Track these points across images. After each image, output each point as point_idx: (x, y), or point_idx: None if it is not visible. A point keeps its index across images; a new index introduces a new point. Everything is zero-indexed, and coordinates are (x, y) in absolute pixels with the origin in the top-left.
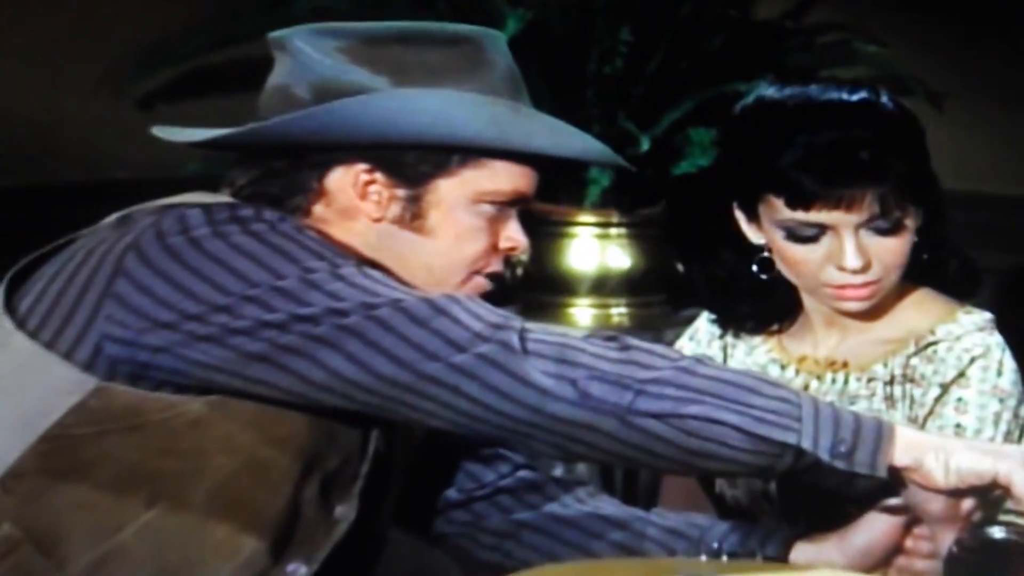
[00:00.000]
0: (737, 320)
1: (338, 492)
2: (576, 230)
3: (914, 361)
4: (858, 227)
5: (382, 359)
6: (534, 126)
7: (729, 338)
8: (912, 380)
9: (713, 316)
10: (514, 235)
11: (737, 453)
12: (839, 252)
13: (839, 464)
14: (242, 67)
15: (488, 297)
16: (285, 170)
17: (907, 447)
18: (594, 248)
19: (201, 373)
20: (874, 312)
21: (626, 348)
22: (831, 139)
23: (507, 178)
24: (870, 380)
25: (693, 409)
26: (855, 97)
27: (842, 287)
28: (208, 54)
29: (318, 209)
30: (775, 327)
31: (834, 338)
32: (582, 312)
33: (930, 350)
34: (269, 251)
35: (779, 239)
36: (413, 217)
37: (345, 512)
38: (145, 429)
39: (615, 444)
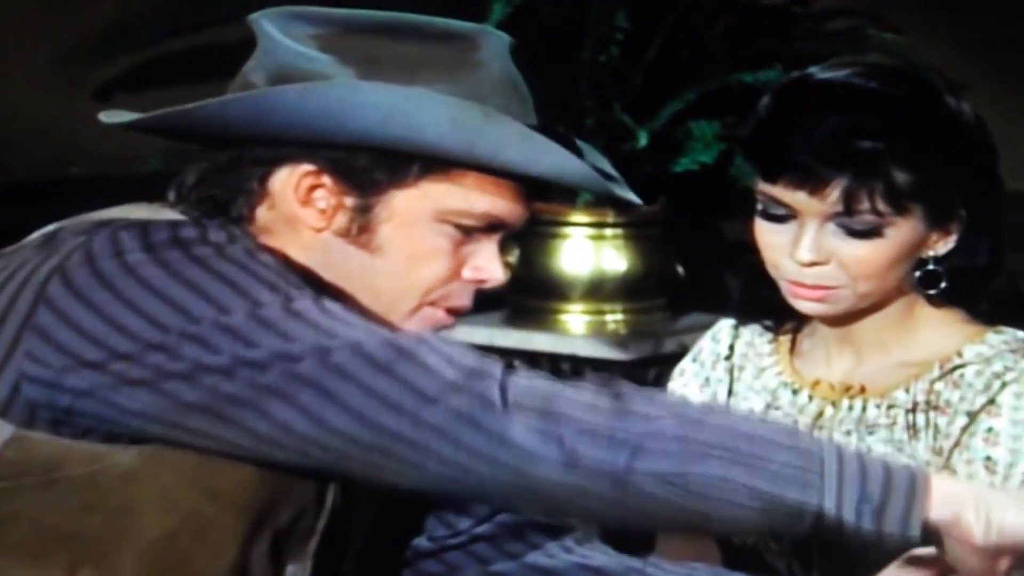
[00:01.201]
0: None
1: (290, 550)
2: (569, 230)
3: (938, 386)
4: (824, 220)
5: (338, 412)
6: (507, 136)
7: (736, 360)
8: (936, 407)
9: (717, 336)
10: (485, 266)
11: (749, 514)
12: (796, 241)
13: (866, 525)
14: (210, 54)
15: (474, 303)
16: (228, 167)
17: (943, 500)
18: (588, 250)
19: (132, 422)
20: (890, 332)
21: (619, 396)
22: (826, 119)
23: (479, 197)
24: (890, 407)
25: (699, 467)
26: (883, 87)
27: (794, 283)
28: (173, 40)
29: (261, 214)
30: (791, 324)
31: (848, 359)
32: (575, 319)
33: (956, 374)
34: (214, 280)
35: (757, 216)
36: (360, 230)
37: (297, 572)
38: (67, 483)
39: (610, 507)
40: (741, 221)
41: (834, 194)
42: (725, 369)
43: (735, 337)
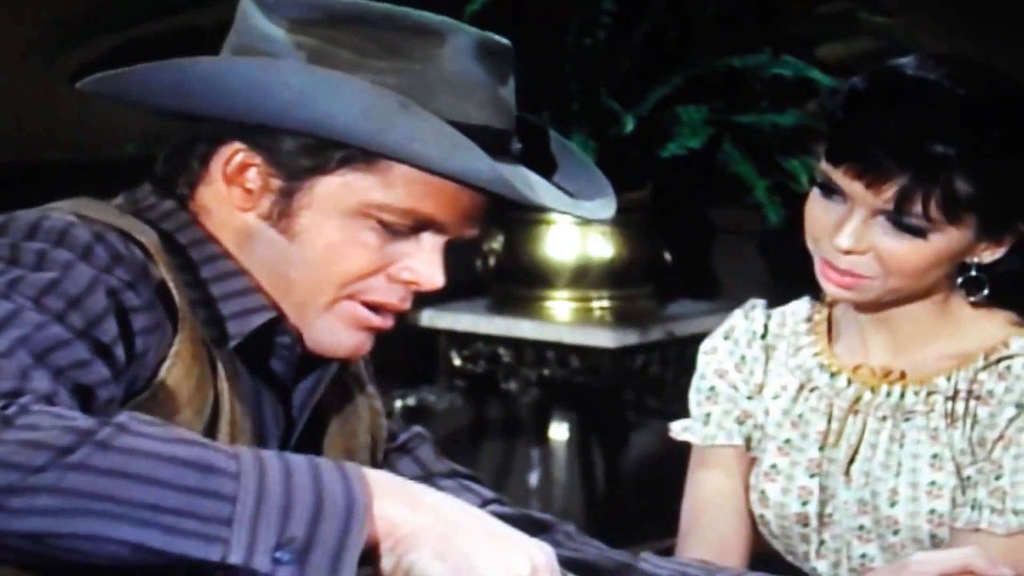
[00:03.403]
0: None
1: None
2: (554, 216)
3: (983, 376)
4: (875, 212)
5: None
6: (420, 130)
7: (769, 339)
8: (979, 397)
9: (750, 314)
10: (417, 268)
11: (138, 562)
12: (840, 226)
13: (284, 574)
14: (187, 37)
15: (458, 290)
16: (182, 147)
17: (387, 532)
18: (573, 236)
19: None
20: (929, 323)
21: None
22: (902, 115)
23: (404, 194)
24: (930, 394)
25: (71, 526)
26: (970, 92)
27: (826, 262)
28: (150, 23)
29: (202, 194)
30: (827, 306)
31: (885, 346)
32: (560, 306)
33: (1002, 365)
34: None
35: (814, 186)
36: (281, 215)
37: None
38: None
39: None
40: (729, 207)
41: (889, 192)
42: (761, 348)
43: (767, 316)
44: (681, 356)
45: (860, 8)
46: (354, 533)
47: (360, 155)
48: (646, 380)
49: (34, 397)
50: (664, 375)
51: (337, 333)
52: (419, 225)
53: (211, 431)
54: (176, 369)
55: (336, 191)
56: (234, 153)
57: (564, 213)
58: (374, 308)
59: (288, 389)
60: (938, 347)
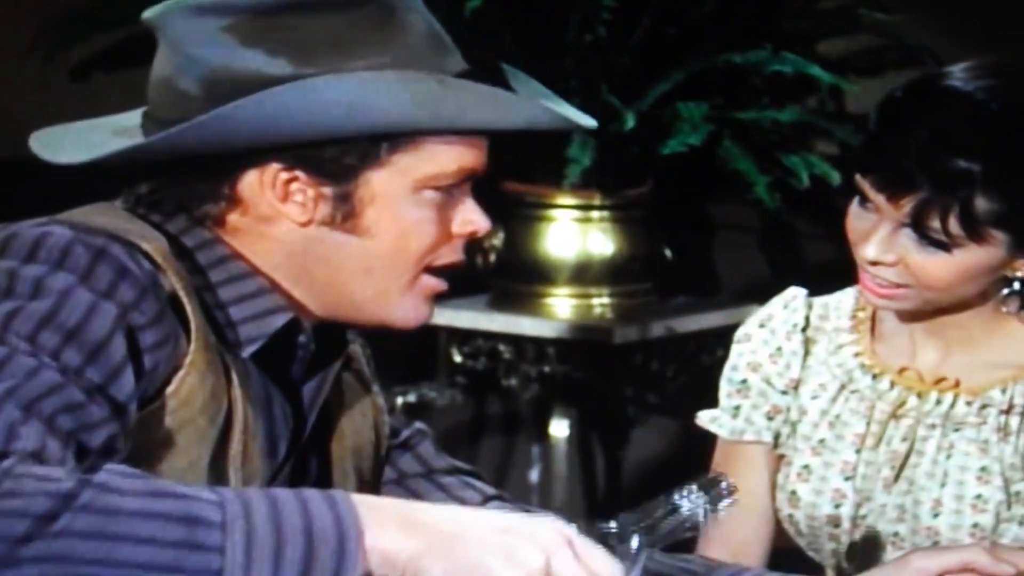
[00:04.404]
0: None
1: None
2: (554, 213)
3: None
4: (899, 224)
5: None
6: (467, 98)
7: (811, 332)
8: None
9: (791, 304)
10: (471, 216)
11: None
12: (868, 236)
13: None
14: None
15: (458, 286)
16: (188, 179)
17: (382, 561)
18: (574, 232)
19: None
20: (979, 330)
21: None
22: (928, 127)
23: (449, 157)
24: (984, 407)
25: None
26: (1006, 107)
27: (862, 271)
28: None
29: (233, 218)
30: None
31: (934, 351)
32: (560, 303)
33: None
34: None
35: (855, 198)
36: (345, 217)
37: None
38: None
39: None
40: (729, 204)
41: (908, 205)
42: (800, 341)
43: (809, 307)
44: (681, 352)
45: (860, 5)
46: (347, 570)
47: (403, 137)
48: (646, 376)
49: (19, 457)
50: (664, 371)
51: (418, 308)
52: (462, 179)
53: (224, 438)
54: (191, 378)
55: (392, 179)
56: (276, 173)
57: (586, 125)
58: (437, 272)
59: (297, 388)
60: (989, 355)
